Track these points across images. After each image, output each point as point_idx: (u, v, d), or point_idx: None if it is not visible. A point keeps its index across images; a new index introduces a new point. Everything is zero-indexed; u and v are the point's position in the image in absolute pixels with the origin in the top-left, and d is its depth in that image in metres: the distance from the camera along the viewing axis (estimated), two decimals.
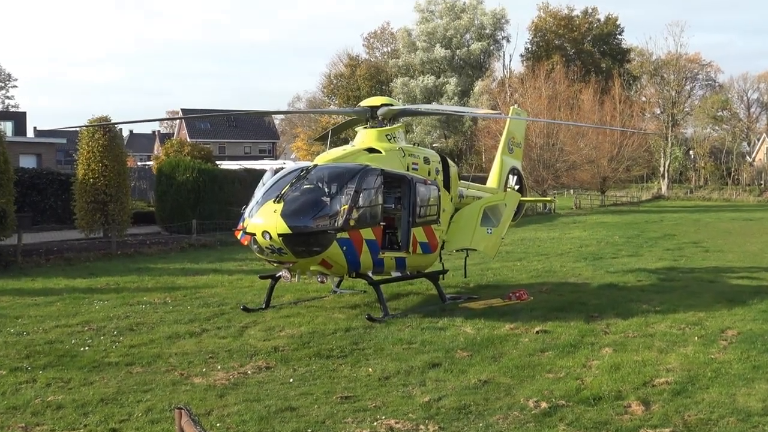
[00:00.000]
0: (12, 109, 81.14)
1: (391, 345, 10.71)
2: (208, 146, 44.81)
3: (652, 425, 7.45)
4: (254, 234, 11.98)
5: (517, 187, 18.34)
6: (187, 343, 10.93)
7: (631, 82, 76.28)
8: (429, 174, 14.19)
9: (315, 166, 12.88)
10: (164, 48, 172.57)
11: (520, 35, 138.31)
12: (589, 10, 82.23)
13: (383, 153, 13.56)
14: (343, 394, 8.40)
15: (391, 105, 14.43)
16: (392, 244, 13.62)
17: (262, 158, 76.60)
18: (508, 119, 19.62)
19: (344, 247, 12.18)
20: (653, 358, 9.92)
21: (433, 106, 42.42)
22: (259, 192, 12.80)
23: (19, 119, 47.53)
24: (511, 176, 18.34)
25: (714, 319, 12.37)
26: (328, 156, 13.39)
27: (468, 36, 71.94)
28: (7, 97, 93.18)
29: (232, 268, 19.50)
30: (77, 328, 11.98)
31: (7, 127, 45.03)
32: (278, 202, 11.90)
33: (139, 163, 62.78)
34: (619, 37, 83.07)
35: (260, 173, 19.40)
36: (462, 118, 65.60)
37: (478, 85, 67.84)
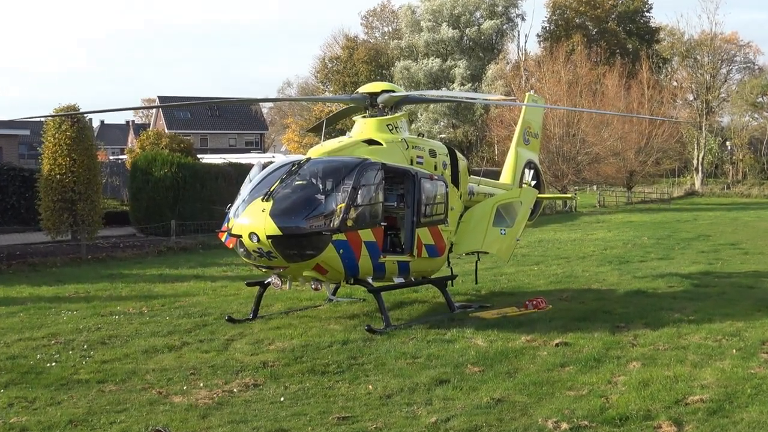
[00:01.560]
0: None
1: (394, 359, 10.73)
2: (188, 138, 44.92)
3: None
4: (240, 236, 12.00)
5: (533, 182, 18.38)
6: (165, 358, 10.95)
7: (660, 65, 76.26)
8: (435, 168, 14.21)
9: (308, 159, 12.90)
10: (138, 32, 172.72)
11: (537, 13, 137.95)
12: None
13: (384, 145, 13.58)
14: (340, 415, 8.41)
15: (393, 91, 14.45)
16: (394, 247, 13.64)
17: (248, 151, 76.71)
18: (523, 107, 19.65)
19: (341, 250, 12.20)
20: (686, 373, 9.93)
21: (440, 93, 42.47)
22: (245, 189, 12.82)
23: None
24: (527, 170, 18.37)
25: (754, 330, 12.39)
26: (322, 149, 13.40)
27: (478, 14, 71.84)
28: None
29: (216, 274, 19.52)
30: (43, 341, 12.00)
31: None
32: (267, 201, 11.93)
33: (111, 157, 63.00)
34: (648, 14, 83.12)
35: (247, 168, 19.41)
36: (472, 106, 65.55)
37: (491, 69, 67.75)
